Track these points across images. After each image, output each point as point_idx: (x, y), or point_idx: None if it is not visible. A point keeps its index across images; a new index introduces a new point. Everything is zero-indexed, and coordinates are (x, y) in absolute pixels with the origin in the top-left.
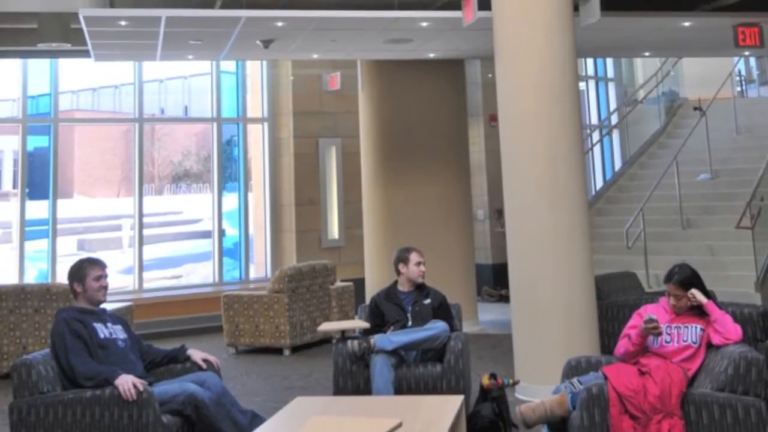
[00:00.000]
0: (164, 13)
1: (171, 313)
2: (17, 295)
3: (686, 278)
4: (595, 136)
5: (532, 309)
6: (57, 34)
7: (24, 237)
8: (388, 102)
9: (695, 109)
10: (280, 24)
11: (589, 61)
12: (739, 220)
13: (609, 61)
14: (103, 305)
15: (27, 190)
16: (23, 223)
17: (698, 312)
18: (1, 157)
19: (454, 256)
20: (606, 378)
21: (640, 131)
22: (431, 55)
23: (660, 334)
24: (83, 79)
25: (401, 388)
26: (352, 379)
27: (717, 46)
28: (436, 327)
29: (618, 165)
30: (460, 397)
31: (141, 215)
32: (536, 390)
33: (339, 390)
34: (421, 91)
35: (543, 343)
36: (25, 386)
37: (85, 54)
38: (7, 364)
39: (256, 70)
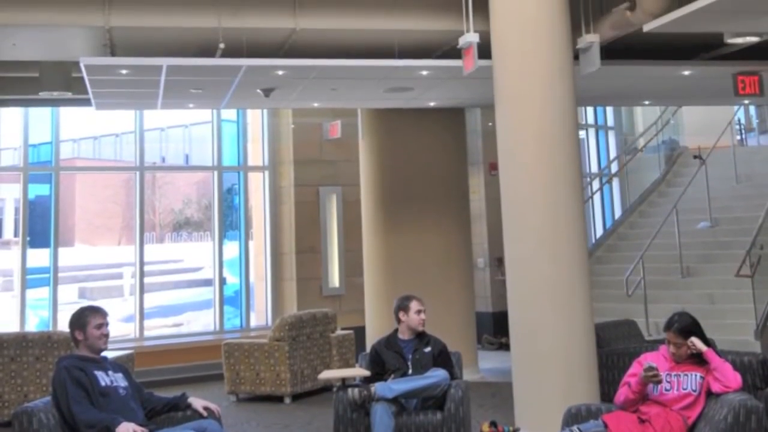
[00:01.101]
0: (165, 61)
1: (172, 361)
2: (18, 343)
3: (686, 326)
4: (595, 184)
5: (532, 357)
6: (58, 83)
7: (25, 285)
8: (389, 150)
9: (695, 157)
10: (280, 72)
11: (589, 110)
12: (739, 269)
13: (609, 109)
14: (104, 353)
15: (28, 238)
16: (24, 271)
17: (698, 360)
18: (2, 205)
19: (455, 304)
20: (606, 426)
21: (640, 179)
22: (431, 104)
23: (660, 382)
24: (84, 128)
25: None
26: (353, 427)
27: (717, 95)
28: (437, 375)
29: (618, 213)
30: None
31: (142, 263)
32: None
33: None
34: (422, 140)
35: (543, 390)
36: None
37: (86, 102)
38: (9, 412)
39: (256, 118)
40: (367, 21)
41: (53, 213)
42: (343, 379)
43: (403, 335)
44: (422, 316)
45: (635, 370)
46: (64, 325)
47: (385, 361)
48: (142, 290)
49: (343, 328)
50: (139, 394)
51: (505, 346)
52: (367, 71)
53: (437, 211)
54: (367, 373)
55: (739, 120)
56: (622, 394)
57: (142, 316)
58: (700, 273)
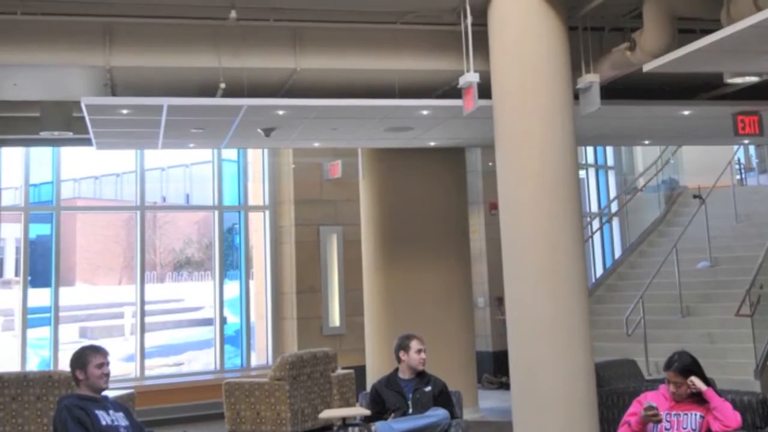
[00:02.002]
0: (166, 101)
1: (173, 400)
2: (19, 383)
3: (686, 366)
4: (596, 223)
5: (532, 396)
6: (59, 123)
7: (26, 324)
8: (389, 190)
9: (695, 197)
10: (281, 112)
11: (589, 149)
12: (739, 308)
13: (609, 149)
14: (105, 392)
15: (29, 278)
16: (25, 310)
17: (698, 399)
18: (3, 244)
19: (455, 343)
20: None
21: (640, 219)
22: (432, 144)
23: (660, 421)
24: (85, 167)
25: None
26: None
27: (717, 135)
28: (437, 414)
29: (618, 253)
30: None
31: (143, 303)
32: None
33: None
34: (422, 179)
35: (544, 430)
36: None
37: (87, 142)
38: None
39: (257, 158)
40: (368, 61)
41: (54, 252)
42: (344, 419)
43: (404, 374)
44: (422, 355)
45: (635, 410)
46: (65, 365)
47: (385, 400)
48: (143, 329)
49: (343, 368)
50: None
51: (506, 386)
52: (367, 111)
53: (437, 251)
54: (367, 412)
55: (738, 159)
56: None
57: (143, 355)
58: (700, 312)
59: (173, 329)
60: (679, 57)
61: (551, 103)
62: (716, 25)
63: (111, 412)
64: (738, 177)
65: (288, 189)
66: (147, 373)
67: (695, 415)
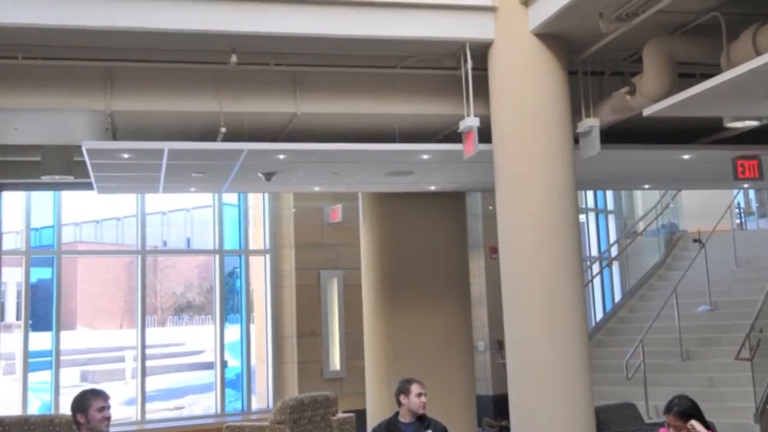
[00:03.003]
0: (167, 145)
1: None
2: (20, 427)
3: (686, 409)
4: (596, 267)
5: None
6: (60, 167)
7: (27, 368)
8: (389, 234)
9: (695, 241)
10: (281, 156)
11: (589, 193)
12: (738, 352)
13: (609, 193)
14: None
15: (30, 322)
16: (26, 354)
17: None
18: (4, 288)
19: (455, 386)
20: None
21: (639, 263)
22: (432, 188)
23: None
24: (86, 212)
25: None
26: None
27: (716, 179)
28: None
29: (618, 296)
30: None
31: (144, 346)
32: None
33: None
34: (422, 223)
35: None
36: None
37: (88, 186)
38: None
39: (258, 202)
40: (368, 105)
41: (55, 296)
42: None
43: (404, 418)
44: (423, 399)
45: None
46: (66, 409)
47: None
48: (144, 373)
49: (344, 411)
50: None
51: (506, 429)
52: (367, 155)
53: (438, 294)
54: None
55: (738, 204)
56: None
57: (144, 399)
58: (700, 356)
59: (174, 373)
60: (679, 101)
61: (551, 148)
62: (716, 70)
63: None
64: (738, 221)
65: (288, 233)
66: (148, 416)
67: None
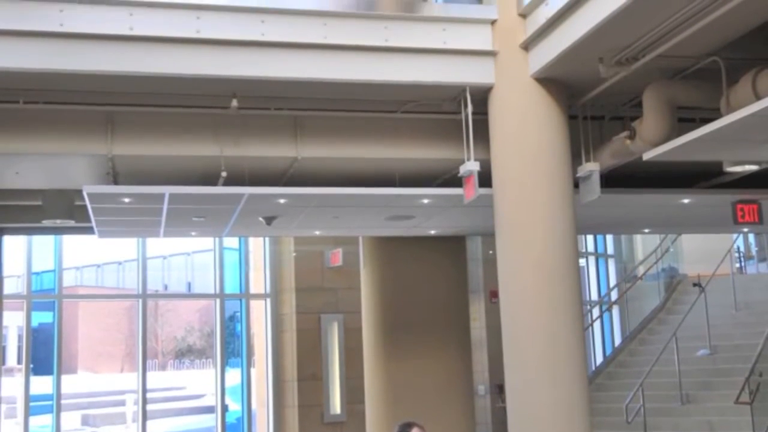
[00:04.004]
0: (168, 189)
1: None
2: None
3: None
4: (596, 311)
5: None
6: (61, 211)
7: (28, 412)
8: (390, 278)
9: (694, 285)
10: (282, 201)
11: (589, 238)
12: (738, 396)
13: (609, 237)
14: None
15: (31, 366)
16: (28, 398)
17: None
18: (5, 332)
19: (456, 430)
20: None
21: (639, 307)
22: (432, 232)
23: None
24: (87, 256)
25: None
26: None
27: (716, 223)
28: None
29: (618, 341)
30: None
31: (144, 390)
32: None
33: None
34: (423, 268)
35: None
36: None
37: (89, 230)
38: None
39: (258, 246)
40: (368, 150)
41: (56, 340)
42: None
43: None
44: None
45: None
46: None
47: None
48: (145, 417)
49: None
50: None
51: None
52: (368, 199)
53: (438, 339)
54: None
55: (738, 248)
56: None
57: None
58: (700, 400)
59: (175, 417)
60: (679, 146)
61: (551, 192)
62: (716, 114)
63: None
64: (737, 265)
65: (289, 277)
66: None
67: None
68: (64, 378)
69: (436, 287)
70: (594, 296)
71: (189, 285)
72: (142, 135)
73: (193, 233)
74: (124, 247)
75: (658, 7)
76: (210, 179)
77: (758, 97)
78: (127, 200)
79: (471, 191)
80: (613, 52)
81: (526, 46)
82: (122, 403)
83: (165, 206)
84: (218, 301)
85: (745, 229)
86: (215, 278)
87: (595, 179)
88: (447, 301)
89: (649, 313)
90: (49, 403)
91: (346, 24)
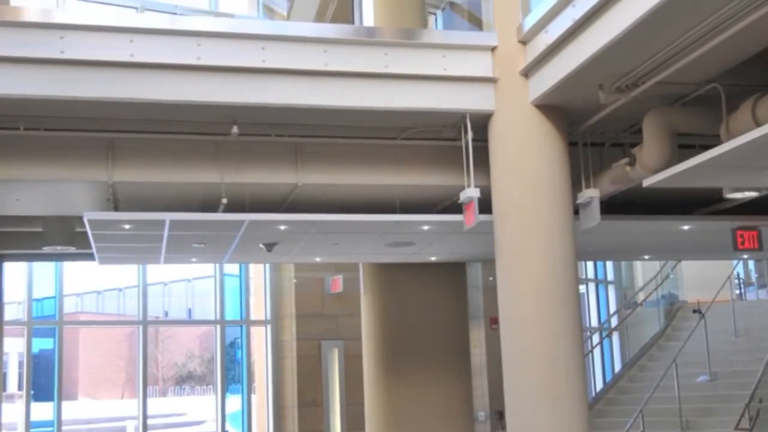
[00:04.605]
0: (168, 216)
1: None
2: None
3: None
4: (596, 338)
5: None
6: (62, 238)
7: None
8: (390, 304)
9: (694, 311)
10: (282, 227)
11: (589, 264)
12: (738, 422)
13: (609, 264)
14: None
15: (32, 392)
16: (28, 424)
17: None
18: (6, 359)
19: None
20: None
21: (639, 333)
22: (432, 258)
23: None
24: (88, 282)
25: None
26: None
27: (716, 250)
28: None
29: (618, 367)
30: None
31: (145, 417)
32: None
33: None
34: (423, 294)
35: None
36: None
37: (90, 257)
38: None
39: (259, 272)
40: (369, 176)
41: (57, 366)
42: None
43: None
44: None
45: None
46: None
47: None
48: None
49: None
50: None
51: None
52: (368, 226)
53: (438, 365)
54: None
55: (738, 274)
56: None
57: None
58: (700, 426)
59: None
60: (679, 172)
61: (551, 219)
62: (716, 141)
63: None
64: (737, 292)
65: (290, 303)
66: None
67: None
68: (65, 404)
69: (437, 313)
70: (594, 322)
71: (189, 311)
72: (143, 161)
73: (193, 260)
74: (125, 273)
75: (657, 35)
76: (210, 206)
77: (758, 124)
78: (127, 227)
79: (471, 218)
80: (612, 79)
81: (527, 72)
82: (123, 430)
83: (165, 233)
84: (219, 327)
85: (745, 256)
86: (216, 305)
87: (595, 206)
88: (447, 327)
89: (649, 339)
90: (50, 429)
91: (347, 51)
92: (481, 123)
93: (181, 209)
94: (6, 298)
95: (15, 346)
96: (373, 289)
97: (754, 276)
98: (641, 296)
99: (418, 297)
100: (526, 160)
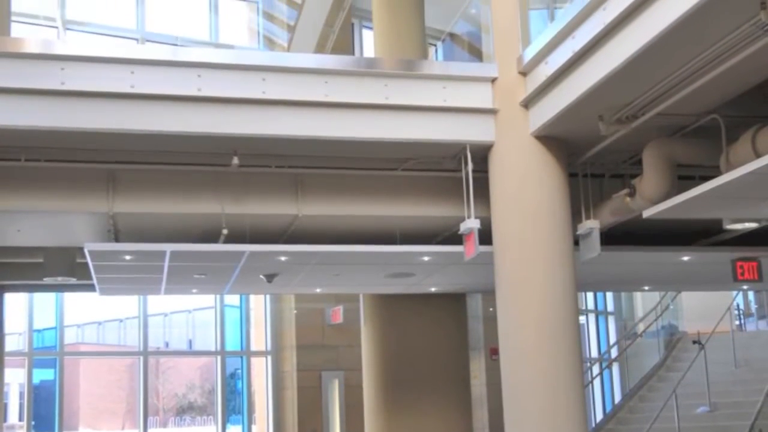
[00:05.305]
0: (169, 247)
1: None
2: None
3: None
4: (596, 368)
5: None
6: (62, 268)
7: None
8: (390, 335)
9: (694, 342)
10: (283, 258)
11: (589, 295)
12: None
13: (609, 294)
14: None
15: (33, 423)
16: None
17: None
18: (7, 390)
19: None
20: None
21: (639, 364)
22: (433, 289)
23: None
24: (88, 313)
25: None
26: None
27: (716, 281)
28: None
29: (618, 398)
30: None
31: None
32: None
33: None
34: (423, 325)
35: None
36: None
37: (90, 288)
38: None
39: (259, 303)
40: (369, 207)
41: (57, 397)
42: None
43: None
44: None
45: None
46: None
47: None
48: None
49: None
50: None
51: None
52: (368, 257)
53: (439, 396)
54: None
55: (738, 305)
56: None
57: None
58: None
59: None
60: (679, 203)
61: (551, 250)
62: (716, 172)
63: None
64: (737, 322)
65: (290, 334)
66: None
67: None
68: None
69: (437, 344)
70: (594, 353)
71: (190, 342)
72: (144, 192)
73: (194, 290)
74: (126, 304)
75: (657, 67)
76: (211, 237)
77: (758, 155)
78: (128, 258)
79: (471, 249)
80: (612, 110)
81: (527, 104)
82: None
83: (166, 264)
84: (219, 358)
85: (745, 287)
86: (216, 335)
87: (595, 237)
88: (447, 358)
89: (649, 370)
90: None
91: (347, 82)
92: (482, 154)
93: (181, 240)
94: (7, 329)
95: (16, 377)
96: (374, 320)
97: (753, 307)
98: (641, 327)
99: (418, 328)
100: (527, 191)
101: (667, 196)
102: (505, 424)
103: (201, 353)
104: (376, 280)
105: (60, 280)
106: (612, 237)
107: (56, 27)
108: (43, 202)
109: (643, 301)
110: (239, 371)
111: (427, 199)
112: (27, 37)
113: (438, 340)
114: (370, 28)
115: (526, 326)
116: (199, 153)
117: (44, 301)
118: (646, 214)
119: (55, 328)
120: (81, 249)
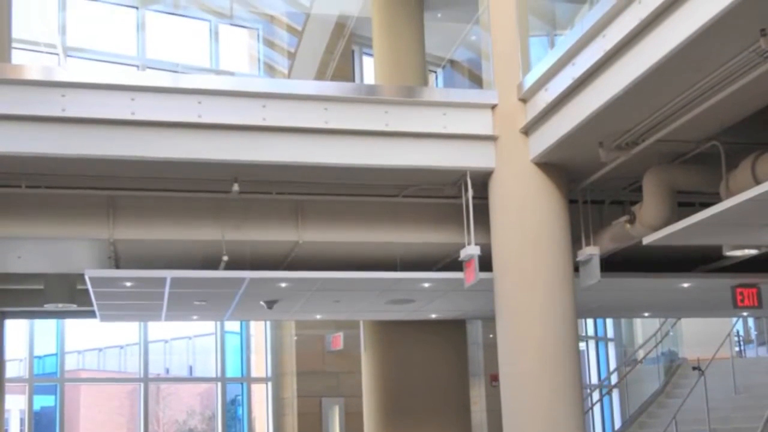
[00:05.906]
0: (169, 274)
1: None
2: None
3: None
4: (596, 395)
5: None
6: (63, 295)
7: None
8: (391, 362)
9: (694, 368)
10: (283, 285)
11: (589, 321)
12: None
13: (609, 321)
14: None
15: None
16: None
17: None
18: (7, 416)
19: None
20: None
21: (639, 390)
22: (433, 316)
23: None
24: (89, 339)
25: None
26: None
27: (716, 307)
28: None
29: (618, 424)
30: None
31: None
32: None
33: None
34: (423, 351)
35: None
36: None
37: (91, 314)
38: None
39: (260, 330)
40: (369, 234)
41: (58, 424)
42: None
43: None
44: None
45: None
46: None
47: None
48: None
49: None
50: None
51: None
52: (369, 283)
53: (439, 422)
54: None
55: (737, 332)
56: None
57: None
58: None
59: None
60: (679, 230)
61: (551, 276)
62: (716, 198)
63: None
64: (737, 349)
65: (290, 360)
66: None
67: None
68: None
69: (437, 371)
70: (594, 380)
71: (190, 368)
72: (144, 219)
73: (194, 317)
74: (126, 330)
75: (657, 93)
76: (211, 263)
77: (758, 182)
78: (128, 284)
79: (471, 275)
80: (612, 136)
81: (527, 130)
82: None
83: (166, 290)
84: (220, 384)
85: (745, 313)
86: (216, 362)
87: (595, 263)
88: (447, 384)
89: (649, 396)
90: None
91: (347, 108)
92: (482, 181)
93: (182, 266)
94: (7, 356)
95: (16, 404)
96: (374, 347)
97: (753, 333)
98: (641, 353)
99: (418, 354)
100: (527, 217)
101: (667, 222)
102: None
103: (201, 380)
104: (377, 306)
105: (60, 306)
106: (612, 263)
107: (57, 54)
108: (43, 228)
109: (643, 327)
110: (240, 398)
111: (427, 226)
112: (28, 63)
113: (438, 367)
114: (371, 55)
115: (526, 353)
116: (200, 179)
117: (45, 327)
118: (646, 240)
119: (55, 354)
120: (81, 275)
